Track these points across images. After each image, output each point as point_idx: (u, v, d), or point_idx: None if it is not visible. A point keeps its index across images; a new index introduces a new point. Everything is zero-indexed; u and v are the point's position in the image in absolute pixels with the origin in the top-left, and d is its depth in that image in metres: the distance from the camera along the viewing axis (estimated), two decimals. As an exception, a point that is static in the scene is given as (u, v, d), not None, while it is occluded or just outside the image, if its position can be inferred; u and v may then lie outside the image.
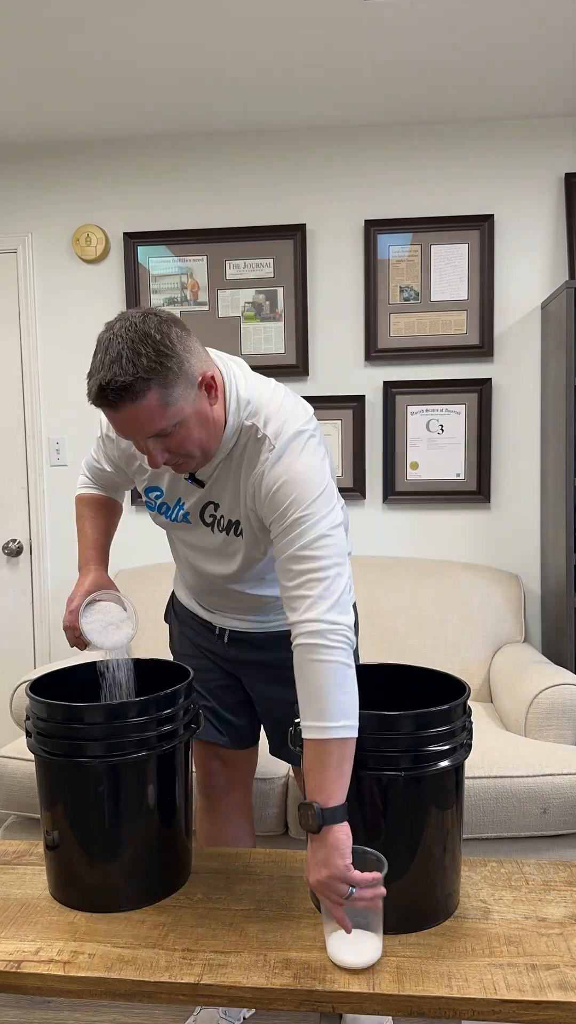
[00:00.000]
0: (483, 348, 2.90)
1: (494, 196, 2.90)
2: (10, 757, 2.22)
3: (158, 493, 1.50)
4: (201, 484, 1.41)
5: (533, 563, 2.98)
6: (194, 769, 1.77)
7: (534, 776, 2.01)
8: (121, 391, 1.16)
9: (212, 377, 1.26)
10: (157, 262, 3.00)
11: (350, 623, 1.21)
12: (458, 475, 2.95)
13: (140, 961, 1.11)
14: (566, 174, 2.85)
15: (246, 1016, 1.76)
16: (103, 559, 1.61)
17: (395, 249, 2.91)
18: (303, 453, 1.30)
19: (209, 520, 1.46)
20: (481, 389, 2.91)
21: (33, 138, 2.98)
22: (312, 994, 1.05)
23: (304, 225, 2.93)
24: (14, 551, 3.15)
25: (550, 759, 2.05)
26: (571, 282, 2.54)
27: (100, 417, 1.50)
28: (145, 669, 1.46)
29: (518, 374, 2.93)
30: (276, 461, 1.30)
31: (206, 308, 2.99)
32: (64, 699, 1.38)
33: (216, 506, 1.43)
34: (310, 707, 1.17)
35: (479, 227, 2.87)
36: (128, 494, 3.09)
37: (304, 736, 1.17)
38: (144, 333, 1.17)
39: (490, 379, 2.91)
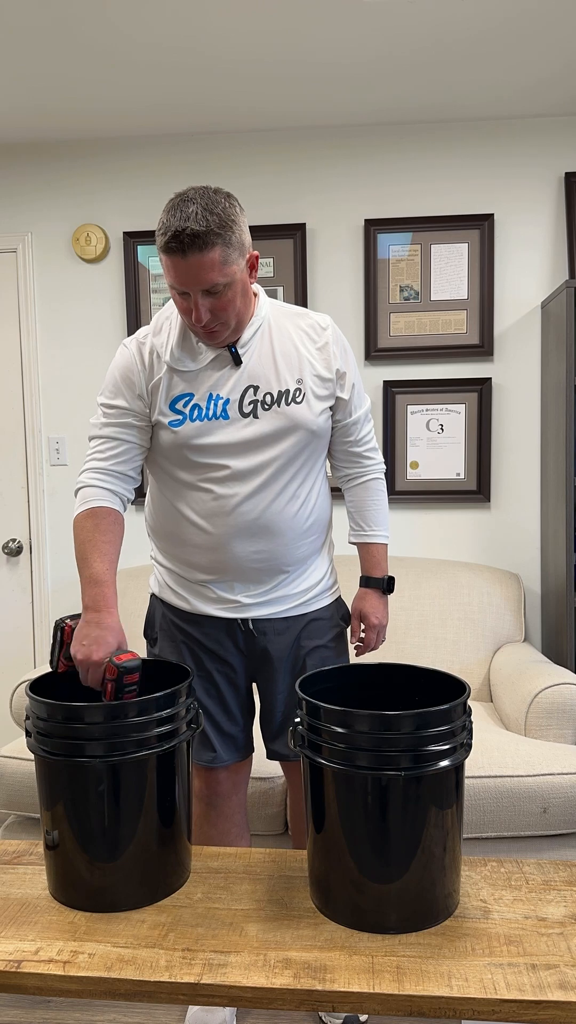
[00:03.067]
0: (483, 348, 2.90)
1: (494, 196, 2.90)
2: (10, 757, 2.22)
3: (187, 398, 1.54)
4: (238, 360, 1.53)
5: (533, 563, 2.98)
6: (196, 784, 1.74)
7: (534, 776, 2.01)
8: (193, 238, 1.36)
9: (256, 256, 1.49)
10: (157, 261, 3.00)
11: None
12: (458, 475, 2.95)
13: (140, 961, 1.11)
14: (566, 174, 2.85)
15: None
16: (115, 599, 1.48)
17: (395, 249, 2.91)
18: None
19: (248, 408, 1.55)
20: (481, 389, 2.91)
21: (33, 138, 2.98)
22: (312, 994, 1.05)
23: (304, 225, 2.93)
24: (14, 551, 3.15)
25: (550, 759, 2.05)
26: (571, 281, 2.54)
27: (101, 396, 1.58)
28: (145, 669, 1.46)
29: (518, 374, 2.93)
30: (336, 330, 1.64)
31: (206, 308, 2.98)
32: (64, 699, 1.38)
33: (255, 388, 1.55)
34: (384, 521, 1.78)
35: (479, 227, 2.87)
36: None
37: (380, 540, 1.78)
38: (215, 199, 1.39)
39: (490, 379, 2.91)
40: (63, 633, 1.44)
